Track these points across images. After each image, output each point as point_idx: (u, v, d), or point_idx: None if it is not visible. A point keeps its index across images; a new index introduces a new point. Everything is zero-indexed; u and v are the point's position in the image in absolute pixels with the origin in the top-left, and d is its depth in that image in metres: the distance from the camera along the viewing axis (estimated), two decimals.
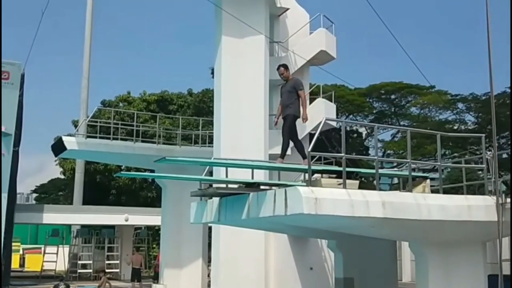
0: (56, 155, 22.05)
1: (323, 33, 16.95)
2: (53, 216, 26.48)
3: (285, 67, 10.23)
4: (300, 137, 16.16)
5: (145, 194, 33.66)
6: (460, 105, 33.17)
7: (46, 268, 29.19)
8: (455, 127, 33.43)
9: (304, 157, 9.43)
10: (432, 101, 32.97)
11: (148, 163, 20.83)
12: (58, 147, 19.73)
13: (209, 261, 18.04)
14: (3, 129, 20.24)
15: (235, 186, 8.46)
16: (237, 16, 14.04)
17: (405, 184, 9.75)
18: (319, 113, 16.34)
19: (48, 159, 76.17)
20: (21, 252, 36.76)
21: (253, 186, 8.21)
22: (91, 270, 29.26)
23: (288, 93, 9.89)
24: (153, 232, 32.82)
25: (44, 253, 29.97)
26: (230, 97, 14.70)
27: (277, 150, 15.58)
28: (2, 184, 20.14)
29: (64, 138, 19.74)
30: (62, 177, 38.96)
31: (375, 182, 8.05)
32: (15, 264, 31.05)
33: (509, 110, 24.43)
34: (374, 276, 11.34)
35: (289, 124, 9.77)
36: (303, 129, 16.46)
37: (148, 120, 31.30)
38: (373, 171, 8.78)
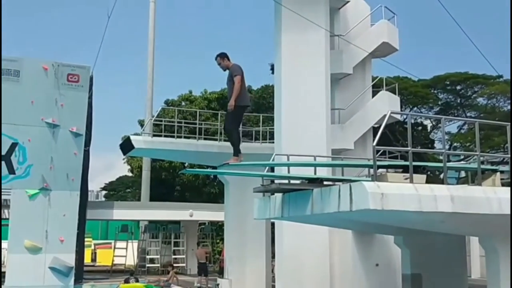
0: (124, 154, 22.78)
1: (385, 25, 16.65)
2: (122, 212, 27.45)
3: (222, 56, 9.40)
4: (363, 131, 16.14)
5: (208, 190, 34.27)
6: None
7: (116, 263, 30.25)
8: None
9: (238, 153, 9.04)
10: (500, 91, 31.62)
11: (210, 159, 21.14)
12: (126, 146, 20.40)
13: (273, 256, 18.16)
14: (74, 130, 21.24)
15: (298, 181, 8.48)
16: (297, 11, 13.98)
17: (474, 177, 9.42)
18: (383, 106, 16.09)
19: (116, 157, 79.00)
20: (92, 247, 38.26)
21: (316, 181, 8.20)
22: (158, 265, 30.15)
23: (230, 83, 9.29)
24: (217, 228, 33.38)
25: (114, 248, 31.16)
26: (290, 93, 14.65)
27: (339, 145, 15.59)
28: (75, 183, 21.17)
29: (132, 137, 20.40)
30: (130, 174, 40.37)
31: (441, 176, 7.84)
32: (87, 258, 32.34)
33: None
34: (443, 272, 11.05)
35: (234, 115, 9.23)
36: (365, 123, 16.30)
37: (210, 118, 31.79)
38: (440, 164, 8.55)
